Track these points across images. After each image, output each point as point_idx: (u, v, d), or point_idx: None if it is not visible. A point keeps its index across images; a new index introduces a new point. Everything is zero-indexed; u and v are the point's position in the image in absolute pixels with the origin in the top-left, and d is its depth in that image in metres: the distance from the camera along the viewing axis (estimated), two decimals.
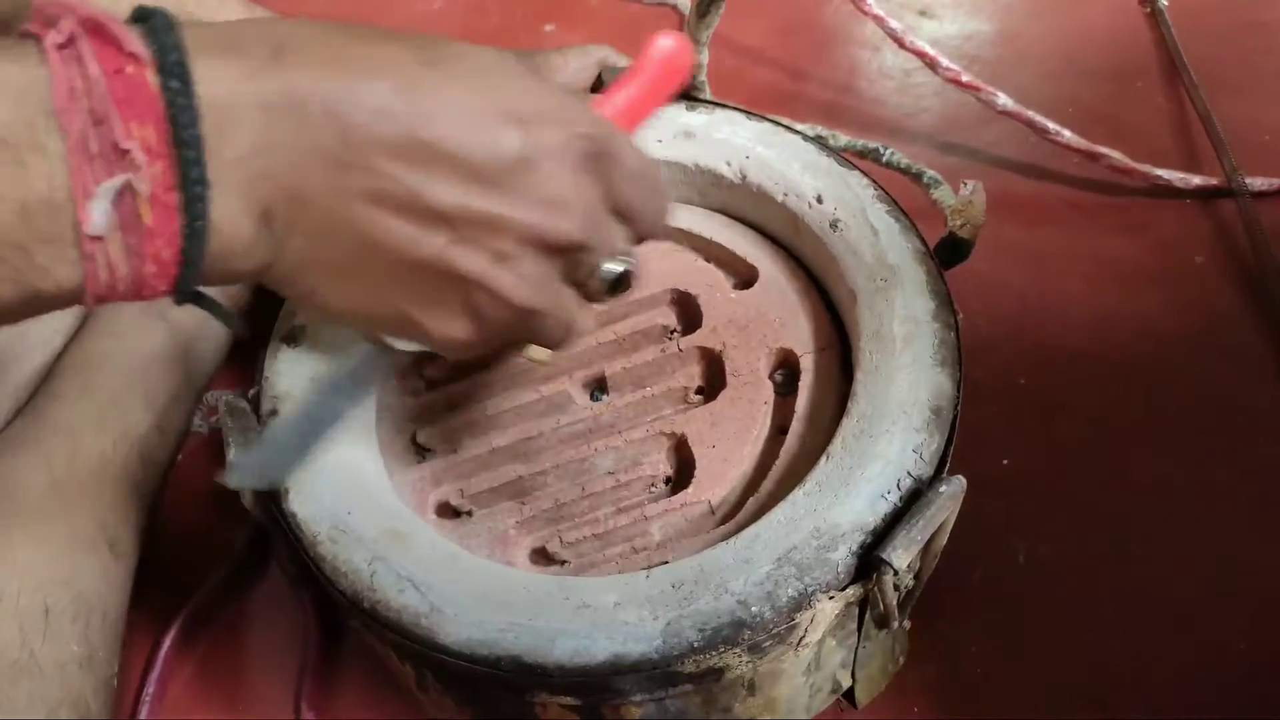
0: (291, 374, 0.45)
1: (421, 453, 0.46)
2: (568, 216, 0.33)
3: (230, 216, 0.28)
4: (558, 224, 0.33)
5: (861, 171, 0.48)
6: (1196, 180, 0.65)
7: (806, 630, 0.37)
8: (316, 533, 0.40)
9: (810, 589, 0.36)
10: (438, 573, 0.38)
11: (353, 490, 0.41)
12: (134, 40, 0.26)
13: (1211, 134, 0.67)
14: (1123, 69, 0.74)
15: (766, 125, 0.51)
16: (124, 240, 0.27)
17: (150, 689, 0.51)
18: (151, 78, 0.26)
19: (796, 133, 0.50)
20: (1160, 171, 0.65)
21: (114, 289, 0.28)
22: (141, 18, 0.28)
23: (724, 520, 0.42)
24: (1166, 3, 0.76)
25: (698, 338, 0.46)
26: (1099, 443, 0.55)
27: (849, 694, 0.46)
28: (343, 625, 0.52)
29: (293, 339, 0.46)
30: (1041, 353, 0.59)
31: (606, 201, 0.34)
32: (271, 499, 0.41)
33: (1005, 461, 0.55)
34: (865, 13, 0.69)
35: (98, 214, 0.26)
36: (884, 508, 0.38)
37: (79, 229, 0.26)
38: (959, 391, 0.41)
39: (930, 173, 0.49)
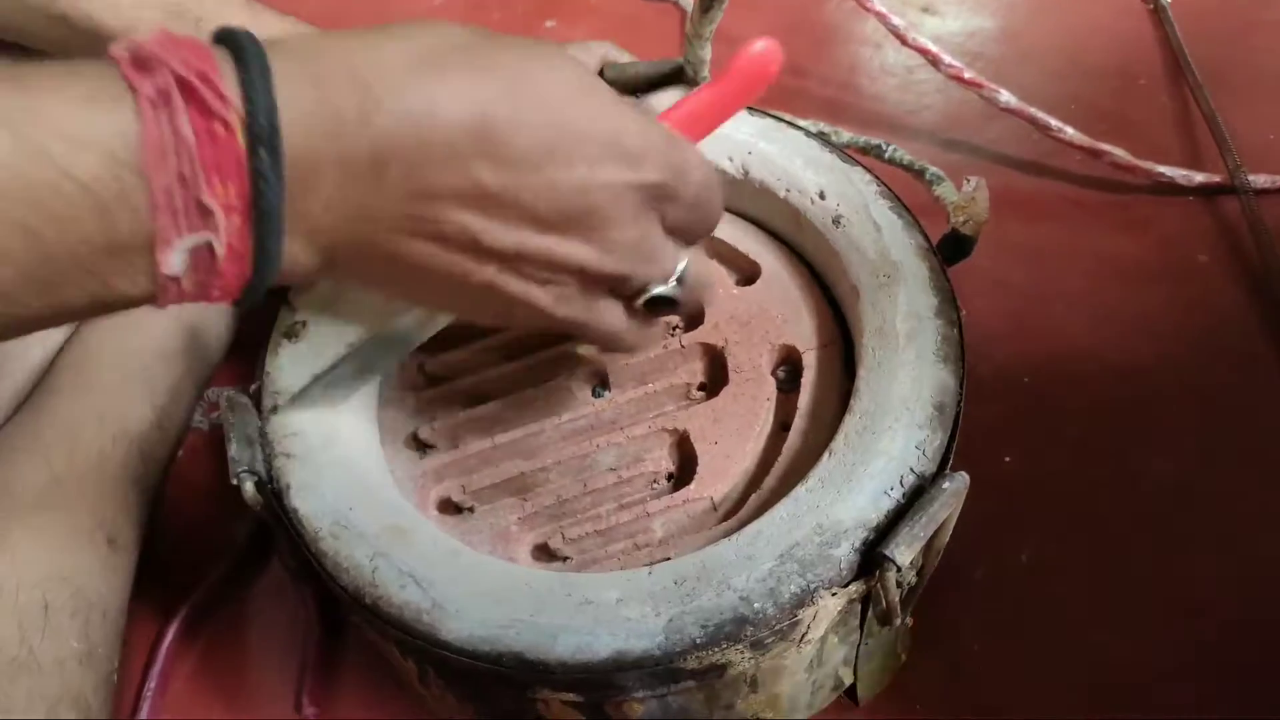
0: (292, 369, 0.45)
1: (423, 449, 0.46)
2: (617, 256, 0.35)
3: (297, 256, 0.30)
4: (604, 261, 0.34)
5: (864, 167, 0.48)
6: (1199, 178, 0.65)
7: (809, 627, 0.37)
8: (318, 528, 0.40)
9: (813, 585, 0.36)
10: (439, 569, 0.38)
11: (354, 486, 0.41)
12: (226, 99, 0.26)
13: (1214, 131, 0.67)
14: (1126, 66, 0.74)
15: (769, 121, 0.51)
16: (195, 276, 0.28)
17: (151, 684, 0.51)
18: (240, 139, 0.27)
19: (799, 129, 0.50)
20: (1163, 169, 0.65)
21: (179, 303, 0.29)
22: (224, 39, 0.28)
23: (726, 517, 0.42)
24: (1170, 0, 0.76)
25: (700, 334, 0.46)
26: (1101, 440, 0.55)
27: (851, 691, 0.46)
28: (344, 621, 0.52)
29: (293, 335, 0.46)
30: (1044, 350, 0.59)
31: (660, 229, 0.36)
32: (273, 495, 0.41)
33: (1007, 459, 0.55)
34: (868, 9, 0.69)
35: (175, 260, 0.27)
36: (887, 504, 0.38)
37: (155, 267, 0.27)
38: (962, 388, 0.41)
39: (933, 169, 0.49)
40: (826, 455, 0.40)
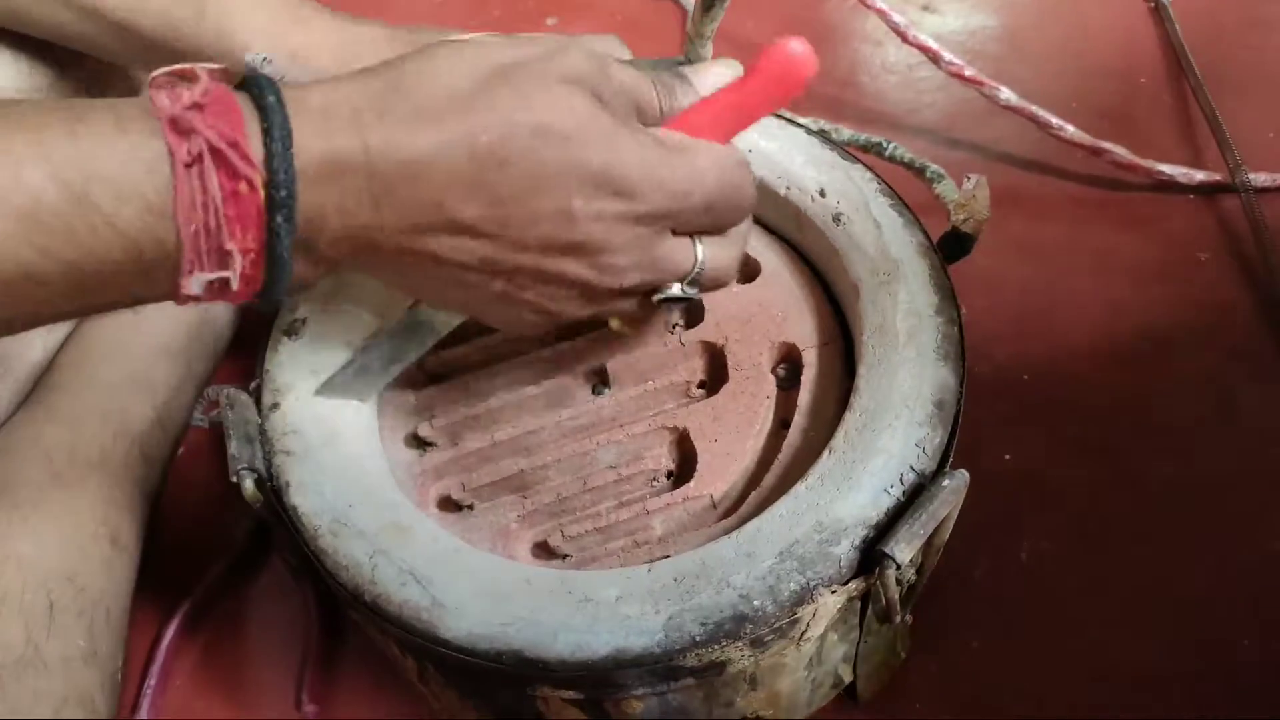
0: (292, 367, 0.45)
1: (423, 446, 0.46)
2: (617, 275, 0.37)
3: (305, 274, 0.33)
4: (604, 280, 0.37)
5: (864, 165, 0.48)
6: (1200, 176, 0.65)
7: (808, 624, 0.37)
8: (318, 526, 0.40)
9: (812, 583, 0.36)
10: (439, 567, 0.38)
11: (354, 484, 0.41)
12: (252, 163, 0.30)
13: (1215, 130, 0.67)
14: (1127, 65, 0.74)
15: (769, 119, 0.51)
16: (211, 294, 0.32)
17: (152, 682, 0.51)
18: (261, 198, 0.30)
19: (799, 126, 0.50)
20: (1164, 167, 0.65)
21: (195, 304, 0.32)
22: (251, 91, 0.31)
23: (726, 514, 0.42)
24: None
25: (700, 332, 0.46)
26: (1102, 439, 0.55)
27: (850, 689, 0.46)
28: (344, 618, 0.52)
29: (293, 332, 0.46)
30: (1044, 348, 0.59)
31: (667, 240, 0.37)
32: (273, 492, 0.41)
33: (1008, 457, 0.55)
34: (869, 6, 0.69)
35: (194, 285, 0.31)
36: (887, 502, 0.38)
37: (176, 288, 0.31)
38: (962, 386, 0.41)
39: (933, 167, 0.49)
40: (826, 453, 0.40)
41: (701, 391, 0.46)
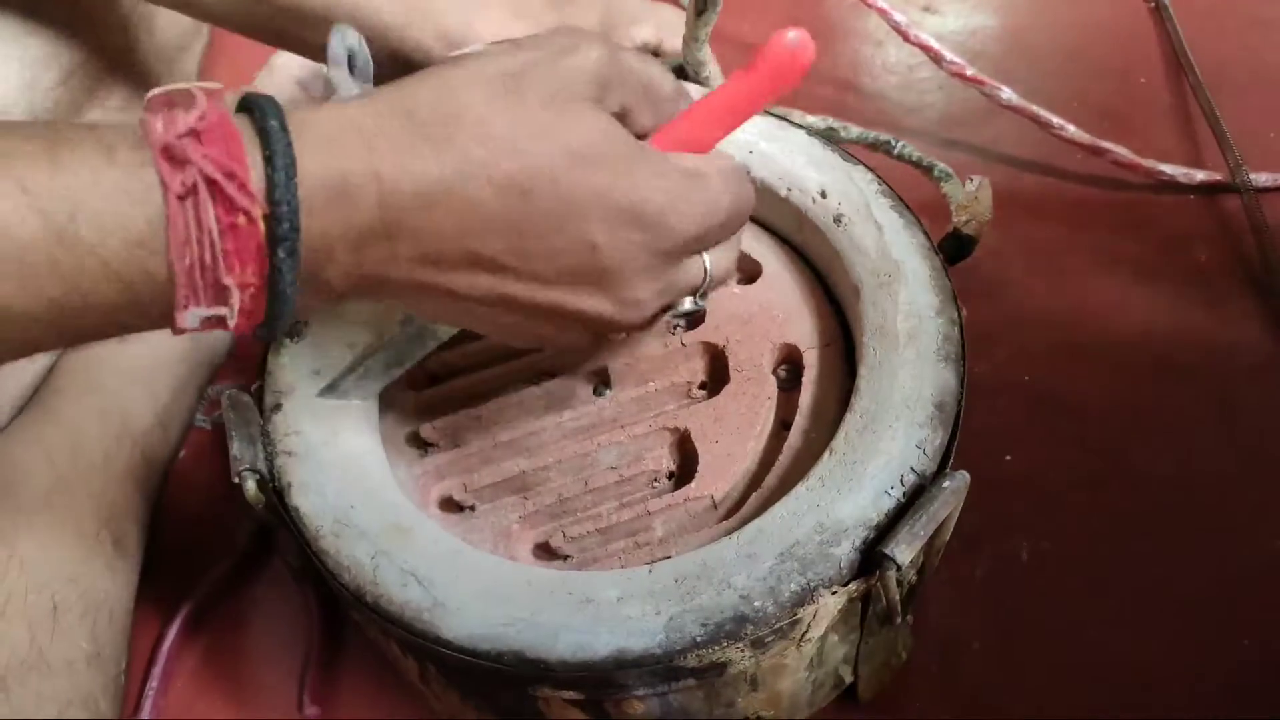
0: (294, 368, 0.45)
1: (424, 447, 0.46)
2: (636, 307, 0.36)
3: (310, 304, 0.33)
4: (624, 313, 0.36)
5: (865, 166, 0.48)
6: (1200, 176, 0.65)
7: (809, 625, 0.37)
8: (319, 527, 0.40)
9: (813, 584, 0.36)
10: (440, 567, 0.38)
11: (355, 485, 0.41)
12: (252, 195, 0.28)
13: (1216, 130, 0.67)
14: (1127, 65, 0.74)
15: (770, 120, 0.51)
16: (209, 327, 0.30)
17: (153, 683, 0.51)
18: (262, 231, 0.28)
19: (801, 127, 0.50)
20: (1164, 167, 0.65)
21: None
22: (253, 113, 0.29)
23: (727, 515, 0.42)
24: None
25: (701, 333, 0.46)
26: (1102, 439, 0.55)
27: (851, 689, 0.46)
28: (345, 619, 0.52)
29: (295, 333, 0.46)
30: (1044, 349, 0.59)
31: (680, 263, 0.36)
32: (275, 493, 0.41)
33: (1008, 458, 0.55)
34: (870, 5, 0.69)
35: (190, 321, 0.29)
36: (887, 503, 0.38)
37: (171, 321, 0.29)
38: (962, 387, 0.41)
39: (941, 166, 0.49)
40: (827, 454, 0.40)
41: (703, 392, 0.46)
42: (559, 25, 0.44)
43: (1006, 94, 0.65)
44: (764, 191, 0.49)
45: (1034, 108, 0.65)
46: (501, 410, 0.45)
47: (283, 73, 0.69)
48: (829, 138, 0.51)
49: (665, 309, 0.38)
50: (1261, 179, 0.64)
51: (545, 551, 0.43)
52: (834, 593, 0.36)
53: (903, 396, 0.40)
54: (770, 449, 0.43)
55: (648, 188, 0.33)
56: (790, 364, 0.46)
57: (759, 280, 0.48)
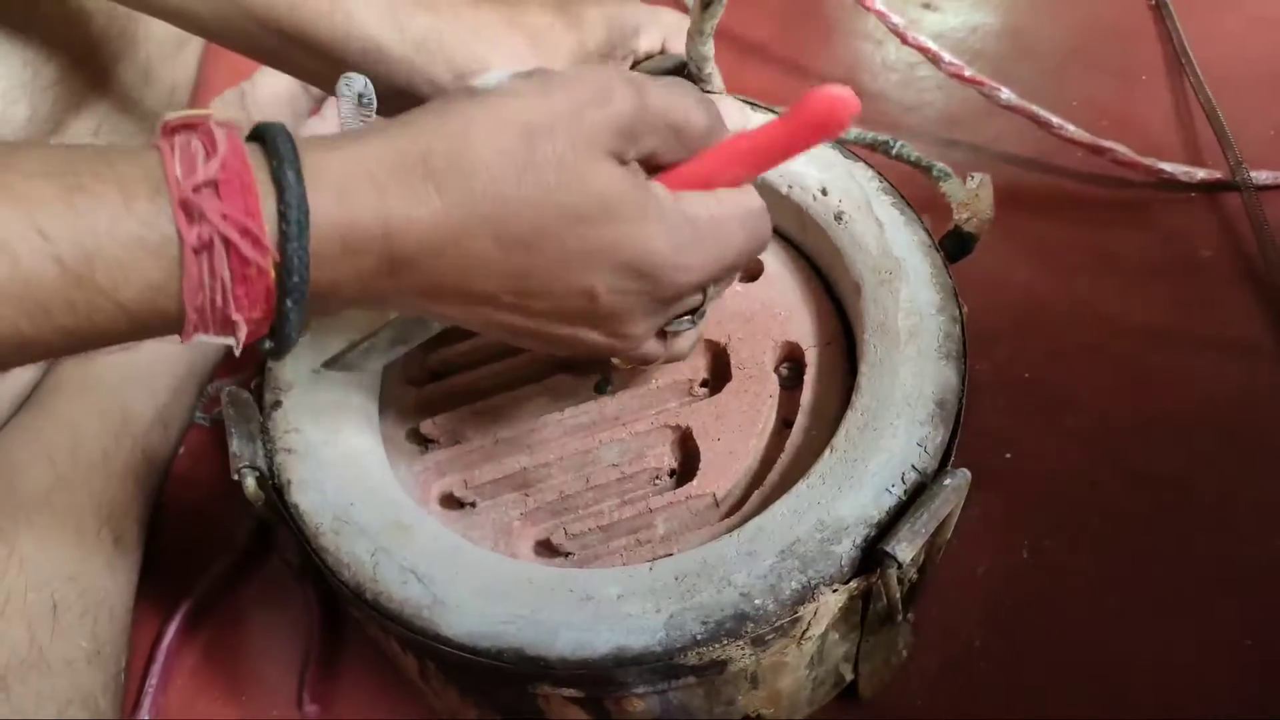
0: (293, 365, 0.45)
1: (425, 444, 0.46)
2: (635, 340, 0.37)
3: (312, 321, 0.32)
4: (625, 345, 0.37)
5: (866, 163, 0.48)
6: (1201, 174, 0.65)
7: (810, 623, 0.37)
8: (319, 524, 0.40)
9: (814, 582, 0.36)
10: (440, 565, 0.38)
11: (355, 482, 0.41)
12: (264, 249, 0.29)
13: (1216, 128, 0.67)
14: (1127, 63, 0.73)
15: (771, 118, 0.51)
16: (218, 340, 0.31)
17: (153, 680, 0.51)
18: (272, 279, 0.29)
19: None
20: (1165, 165, 0.65)
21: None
22: (261, 138, 0.30)
23: (729, 513, 0.42)
24: None
25: (701, 331, 0.46)
26: (1103, 437, 0.55)
27: (852, 687, 0.46)
28: (345, 616, 0.52)
29: None
30: (1045, 346, 0.59)
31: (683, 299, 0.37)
32: (274, 490, 0.41)
33: (1009, 455, 0.55)
34: (868, 8, 0.69)
35: (195, 341, 0.30)
36: (888, 501, 0.38)
37: (179, 338, 0.30)
38: (963, 385, 0.41)
39: (939, 165, 0.49)
40: (828, 452, 0.40)
41: (704, 390, 0.46)
42: (584, 61, 0.45)
43: (1006, 94, 0.65)
44: (764, 189, 0.48)
45: (1033, 107, 0.65)
46: (502, 407, 0.45)
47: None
48: None
49: (660, 333, 0.39)
50: (1262, 177, 0.64)
51: (546, 548, 0.43)
52: (835, 590, 0.36)
53: (904, 394, 0.40)
54: (772, 447, 0.43)
55: (655, 245, 0.34)
56: (792, 362, 0.46)
57: (760, 278, 0.48)
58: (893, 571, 0.36)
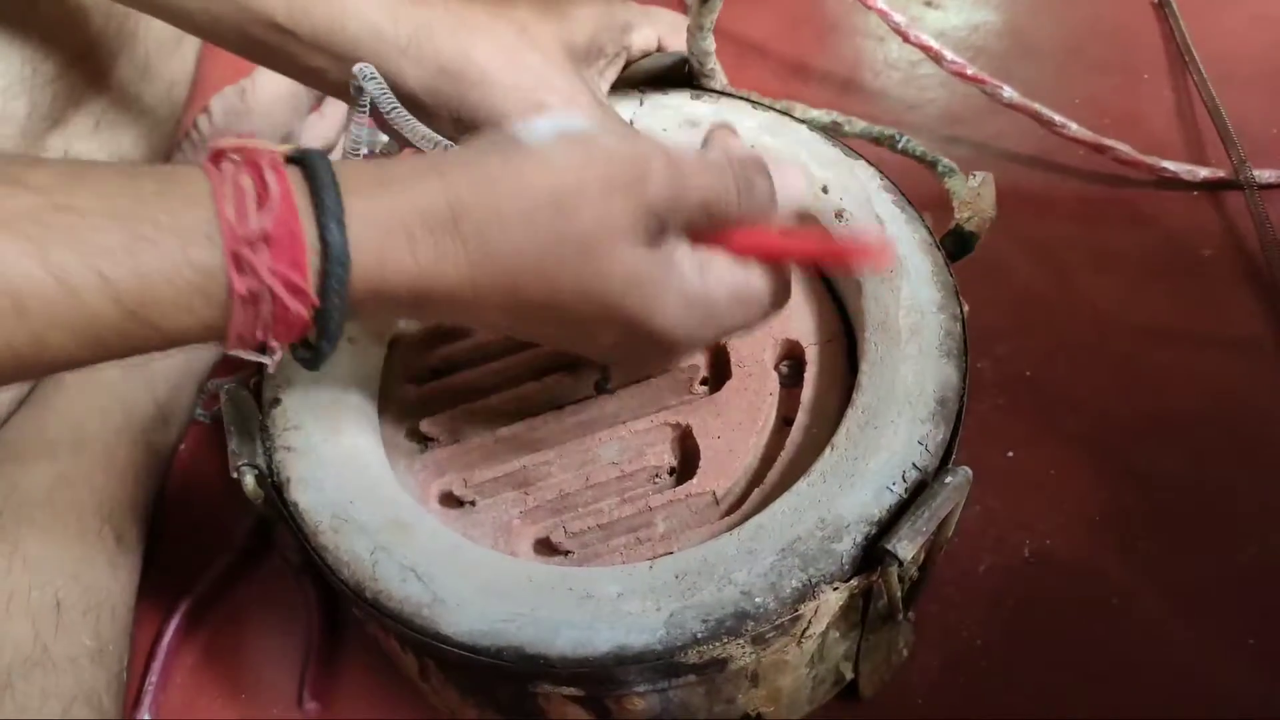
0: (293, 363, 0.44)
1: (424, 442, 0.46)
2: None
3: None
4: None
5: (867, 161, 0.48)
6: (1204, 173, 0.65)
7: (810, 622, 0.37)
8: (318, 522, 0.40)
9: (814, 580, 0.36)
10: (440, 563, 0.38)
11: (355, 480, 0.41)
12: (306, 296, 0.31)
13: (1219, 127, 0.67)
14: (1130, 61, 0.73)
15: (772, 115, 0.51)
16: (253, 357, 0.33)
17: (153, 678, 0.51)
18: (309, 318, 0.32)
19: (809, 119, 0.50)
20: (1167, 164, 0.64)
21: None
22: (301, 163, 0.32)
23: (729, 511, 0.42)
24: None
25: None
26: (1104, 436, 0.55)
27: (852, 686, 0.46)
28: (345, 615, 0.52)
29: None
30: (1047, 345, 0.59)
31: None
32: (274, 488, 0.41)
33: (1010, 454, 0.55)
34: (869, 6, 0.68)
35: (235, 353, 0.33)
36: (889, 499, 0.37)
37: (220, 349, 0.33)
38: (964, 383, 0.41)
39: (945, 161, 0.49)
40: (829, 450, 0.40)
41: (704, 388, 0.46)
42: (571, 55, 0.46)
43: (1008, 93, 0.65)
44: None
45: (1036, 106, 0.65)
46: (502, 405, 0.45)
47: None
48: (833, 132, 0.50)
49: None
50: (1265, 175, 0.64)
51: (546, 547, 0.43)
52: (835, 589, 0.36)
53: (905, 392, 0.40)
54: (772, 445, 0.43)
55: (665, 319, 0.36)
56: (792, 360, 0.46)
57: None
58: (894, 570, 0.36)
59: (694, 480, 0.42)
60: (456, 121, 0.45)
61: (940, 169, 0.49)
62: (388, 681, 0.50)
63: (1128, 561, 0.51)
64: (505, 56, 0.44)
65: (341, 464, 0.41)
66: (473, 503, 0.44)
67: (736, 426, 0.43)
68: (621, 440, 0.44)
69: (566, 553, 0.42)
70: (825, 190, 0.47)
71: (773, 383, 0.45)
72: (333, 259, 0.31)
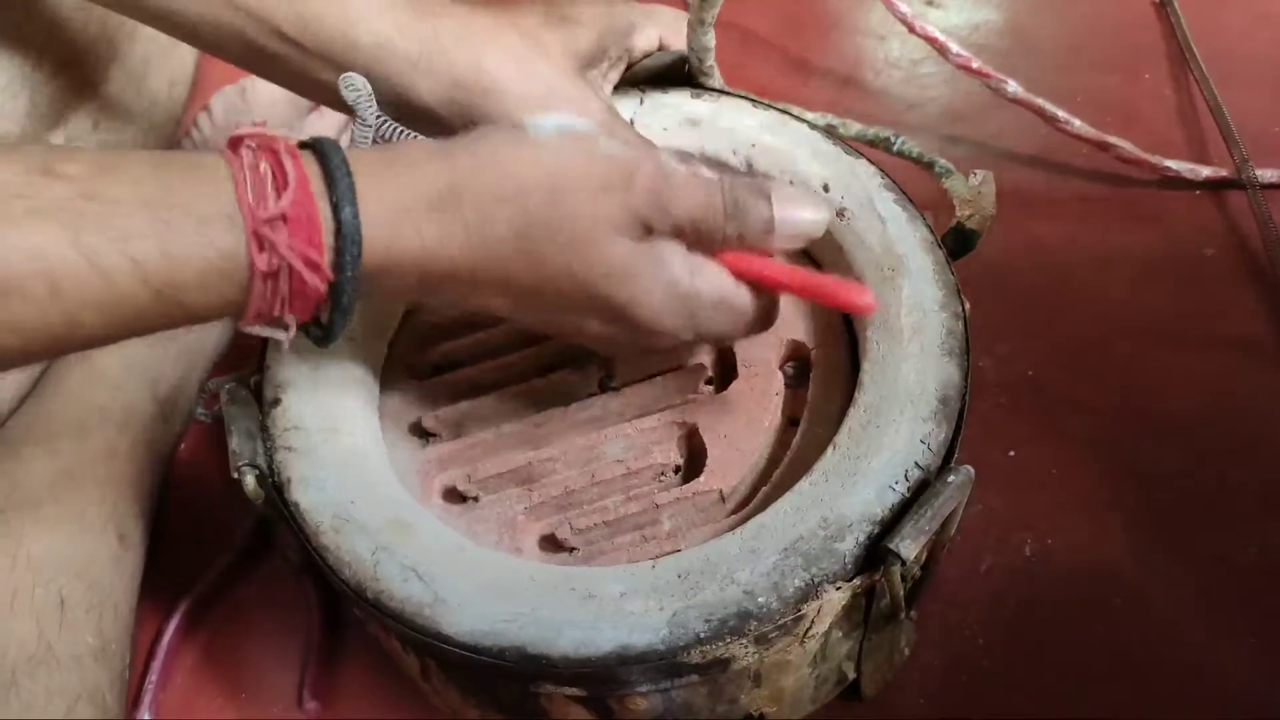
0: (293, 362, 0.44)
1: (426, 437, 0.46)
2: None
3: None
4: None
5: (869, 160, 0.48)
6: (1206, 171, 0.65)
7: (813, 621, 0.37)
8: (319, 523, 0.40)
9: (817, 580, 0.36)
10: (442, 563, 0.38)
11: (356, 480, 0.41)
12: (323, 273, 0.33)
13: (1221, 125, 0.67)
14: (1132, 60, 0.73)
15: (773, 114, 0.51)
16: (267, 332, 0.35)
17: (153, 679, 0.51)
18: (324, 293, 0.34)
19: (804, 121, 0.50)
20: (1169, 162, 0.64)
21: None
22: (313, 150, 0.34)
23: (735, 510, 0.42)
24: None
25: None
26: (1106, 435, 0.55)
27: (854, 685, 0.46)
28: (346, 615, 0.52)
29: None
30: (1049, 343, 0.59)
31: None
32: (274, 488, 0.41)
33: (1012, 453, 0.55)
34: None
35: (251, 329, 0.35)
36: (892, 498, 0.37)
37: (237, 327, 0.35)
38: (966, 382, 0.41)
39: (941, 162, 0.49)
40: (831, 449, 0.39)
41: (709, 388, 0.46)
42: (576, 60, 0.48)
43: (1012, 87, 0.65)
44: None
45: (1039, 101, 0.65)
46: (505, 401, 0.45)
47: None
48: (828, 134, 0.50)
49: None
50: (1267, 175, 0.64)
51: (551, 543, 0.43)
52: (838, 588, 0.36)
53: (906, 391, 0.40)
54: (778, 444, 0.43)
55: (653, 312, 0.38)
56: (798, 360, 0.46)
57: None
58: (896, 569, 0.36)
59: (700, 478, 0.42)
60: (467, 131, 0.45)
61: (937, 169, 0.49)
62: (388, 681, 0.50)
63: (1129, 561, 0.51)
64: (515, 66, 0.45)
65: (342, 464, 0.41)
66: (476, 498, 0.44)
67: (743, 426, 0.43)
68: (627, 438, 0.44)
69: (572, 549, 0.42)
70: (827, 189, 0.47)
71: (778, 383, 0.44)
72: (346, 237, 0.33)
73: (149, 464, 0.54)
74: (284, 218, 0.32)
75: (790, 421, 0.44)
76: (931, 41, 0.66)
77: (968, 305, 0.43)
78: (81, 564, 0.48)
